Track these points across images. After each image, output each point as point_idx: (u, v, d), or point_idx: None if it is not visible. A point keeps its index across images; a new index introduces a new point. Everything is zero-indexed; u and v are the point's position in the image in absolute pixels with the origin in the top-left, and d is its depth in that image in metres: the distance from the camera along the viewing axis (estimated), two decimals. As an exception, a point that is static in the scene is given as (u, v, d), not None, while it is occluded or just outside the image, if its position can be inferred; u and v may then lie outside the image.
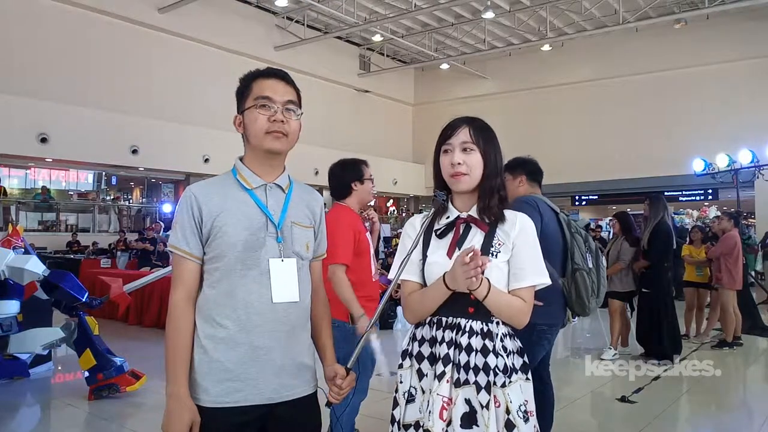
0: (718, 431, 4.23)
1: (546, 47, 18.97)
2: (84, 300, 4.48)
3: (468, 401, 1.51)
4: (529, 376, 1.60)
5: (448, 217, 1.65)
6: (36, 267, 4.38)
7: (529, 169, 3.17)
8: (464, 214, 1.64)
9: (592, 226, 13.09)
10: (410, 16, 17.09)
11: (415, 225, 1.70)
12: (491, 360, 1.53)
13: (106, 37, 14.30)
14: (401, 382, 1.64)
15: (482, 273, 1.48)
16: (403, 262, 1.60)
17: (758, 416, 4.43)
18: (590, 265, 2.83)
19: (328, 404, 1.61)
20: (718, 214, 9.42)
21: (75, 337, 4.55)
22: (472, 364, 1.52)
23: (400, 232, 2.02)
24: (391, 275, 1.67)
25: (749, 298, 7.63)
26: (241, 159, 1.63)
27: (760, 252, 12.02)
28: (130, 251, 12.90)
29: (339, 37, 19.18)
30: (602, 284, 2.86)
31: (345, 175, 3.09)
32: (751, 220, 16.50)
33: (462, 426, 1.49)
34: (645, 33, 17.53)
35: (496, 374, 1.52)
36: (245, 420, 1.50)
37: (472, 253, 1.45)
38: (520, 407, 1.53)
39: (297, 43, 17.77)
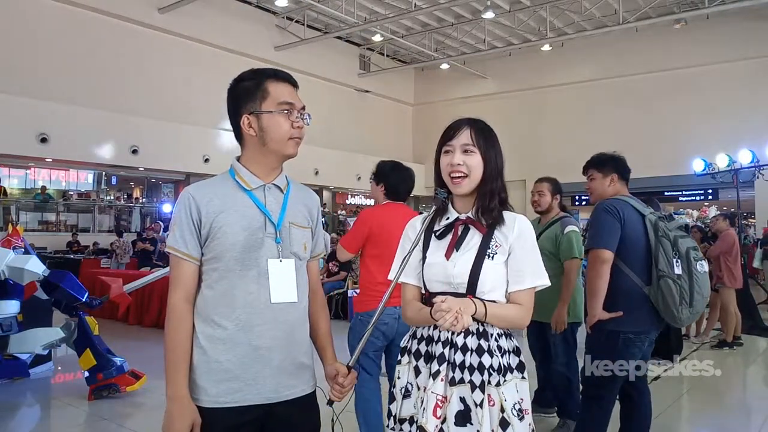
0: (718, 431, 4.23)
1: (546, 47, 18.96)
2: (84, 300, 4.48)
3: (462, 399, 1.52)
4: (525, 375, 1.61)
5: (447, 218, 1.66)
6: (36, 267, 4.37)
7: (620, 167, 2.96)
8: (463, 216, 1.64)
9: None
10: (410, 16, 17.09)
11: (415, 226, 1.71)
12: (486, 359, 1.54)
13: (106, 37, 14.30)
14: (399, 378, 1.66)
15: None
16: (403, 261, 1.61)
17: (758, 416, 4.43)
18: (678, 272, 2.60)
19: (330, 402, 1.61)
20: (718, 213, 9.42)
21: (75, 337, 4.54)
22: (467, 364, 1.54)
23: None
24: (391, 275, 1.68)
25: (749, 298, 7.63)
26: (237, 159, 1.62)
27: (759, 250, 12.02)
28: (114, 252, 12.92)
29: (339, 37, 19.18)
30: (696, 291, 2.60)
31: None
32: (751, 220, 16.50)
33: (456, 424, 1.51)
34: (645, 33, 17.52)
35: (490, 374, 1.53)
36: (244, 420, 1.50)
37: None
38: (514, 405, 1.54)
39: (297, 43, 17.77)
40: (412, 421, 1.59)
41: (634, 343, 2.70)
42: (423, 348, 1.62)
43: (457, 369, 1.53)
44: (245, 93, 1.56)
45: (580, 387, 2.97)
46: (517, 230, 1.61)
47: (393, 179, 3.15)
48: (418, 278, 1.66)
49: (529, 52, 19.62)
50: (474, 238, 1.61)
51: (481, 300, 1.54)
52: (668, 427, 4.11)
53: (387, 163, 3.23)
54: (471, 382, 1.52)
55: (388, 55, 20.94)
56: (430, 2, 15.95)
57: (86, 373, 4.51)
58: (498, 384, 1.53)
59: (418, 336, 1.65)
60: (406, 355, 1.67)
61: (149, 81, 15.01)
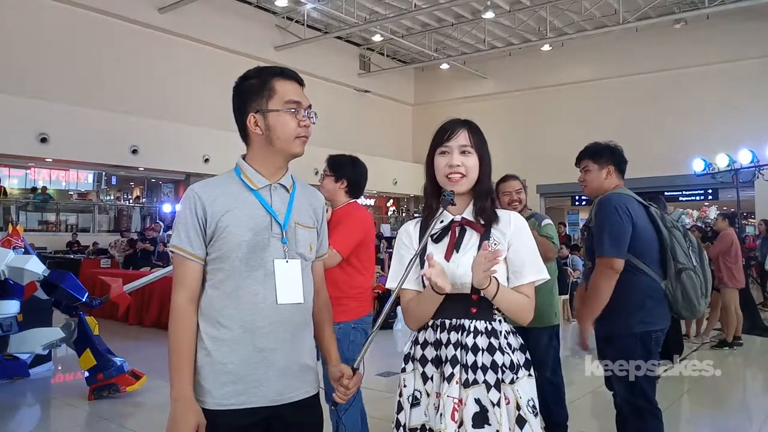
0: (718, 431, 4.23)
1: (546, 47, 18.95)
2: (84, 300, 4.48)
3: (478, 401, 1.51)
4: (532, 372, 1.61)
5: (442, 222, 1.65)
6: (36, 267, 4.38)
7: (617, 158, 2.79)
8: (458, 217, 1.65)
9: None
10: (410, 16, 17.08)
11: (409, 231, 1.71)
12: (498, 358, 1.54)
13: (106, 37, 14.29)
14: (405, 386, 1.63)
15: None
16: (406, 270, 1.57)
17: (758, 416, 4.44)
18: (695, 263, 2.55)
19: (334, 404, 1.60)
20: (719, 213, 9.43)
21: (75, 337, 4.55)
22: (479, 364, 1.53)
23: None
24: (391, 284, 1.65)
25: (750, 298, 7.64)
26: (243, 157, 1.61)
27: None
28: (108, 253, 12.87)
29: (339, 37, 19.17)
30: (708, 281, 2.58)
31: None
32: (751, 220, 16.50)
33: (474, 426, 1.49)
34: (645, 33, 17.51)
35: (503, 372, 1.53)
36: (249, 422, 1.49)
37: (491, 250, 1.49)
38: (528, 402, 1.55)
39: (297, 43, 17.76)
40: (423, 429, 1.56)
41: (659, 341, 2.65)
42: (430, 353, 1.60)
43: (470, 370, 1.52)
44: (251, 91, 1.55)
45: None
46: (514, 226, 1.63)
47: (356, 175, 2.83)
48: (417, 282, 1.65)
49: (529, 52, 19.61)
50: (472, 238, 1.62)
51: (495, 278, 1.53)
52: (668, 427, 4.10)
53: (343, 156, 2.87)
54: (486, 381, 1.52)
55: (388, 55, 20.94)
56: (430, 2, 15.95)
57: (86, 373, 4.52)
58: (512, 382, 1.54)
59: (422, 341, 1.63)
60: (410, 362, 1.65)
61: (149, 81, 15.00)
